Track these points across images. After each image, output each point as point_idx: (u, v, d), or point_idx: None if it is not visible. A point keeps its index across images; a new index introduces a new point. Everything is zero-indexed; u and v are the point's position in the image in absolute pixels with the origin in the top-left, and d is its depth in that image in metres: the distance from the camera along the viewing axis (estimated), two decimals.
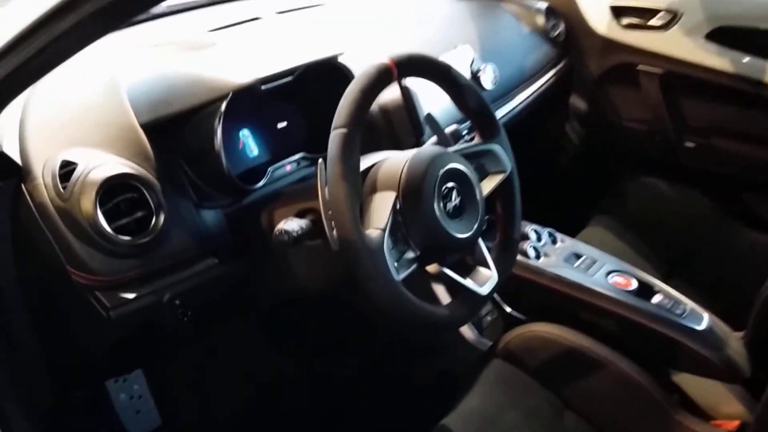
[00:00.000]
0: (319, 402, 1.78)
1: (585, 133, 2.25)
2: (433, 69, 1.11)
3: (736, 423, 1.23)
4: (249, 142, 1.29)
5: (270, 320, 1.76)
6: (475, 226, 1.08)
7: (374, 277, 0.94)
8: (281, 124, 1.35)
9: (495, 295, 1.62)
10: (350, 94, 0.98)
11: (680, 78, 1.91)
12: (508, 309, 1.64)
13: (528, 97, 1.92)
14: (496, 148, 1.19)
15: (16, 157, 1.05)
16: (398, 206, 1.01)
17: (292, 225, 1.03)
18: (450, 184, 1.05)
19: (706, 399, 1.32)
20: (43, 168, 1.03)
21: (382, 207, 1.00)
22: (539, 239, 1.50)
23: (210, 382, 1.72)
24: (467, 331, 1.59)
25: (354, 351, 1.78)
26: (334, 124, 0.96)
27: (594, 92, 2.16)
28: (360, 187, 0.98)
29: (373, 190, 1.04)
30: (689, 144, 2.00)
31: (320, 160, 0.98)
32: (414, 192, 1.01)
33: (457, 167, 1.07)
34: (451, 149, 1.13)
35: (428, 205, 1.01)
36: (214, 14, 1.64)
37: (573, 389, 1.31)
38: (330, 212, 0.95)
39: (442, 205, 1.03)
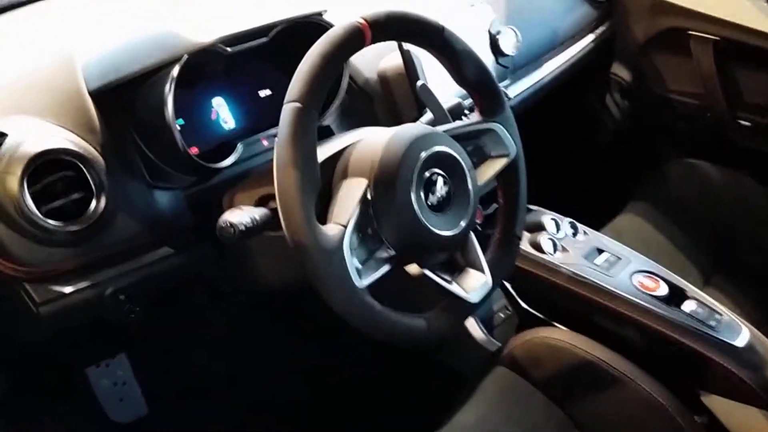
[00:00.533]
0: (314, 395, 1.66)
1: (627, 107, 2.06)
2: (419, 30, 0.92)
3: None
4: (223, 113, 1.14)
5: (261, 305, 1.64)
6: (464, 222, 0.91)
7: (329, 283, 0.79)
8: (264, 92, 1.19)
9: (510, 289, 1.46)
10: (308, 60, 0.82)
11: (737, 46, 1.70)
12: (524, 305, 1.47)
13: (561, 65, 1.74)
14: (498, 127, 1.01)
15: None
16: (369, 196, 0.85)
17: (239, 216, 0.87)
18: (434, 170, 0.89)
19: (739, 427, 1.16)
20: None
21: (347, 198, 0.85)
22: (558, 231, 1.33)
23: (201, 368, 1.61)
24: (475, 328, 1.43)
25: (350, 343, 1.65)
26: (286, 97, 0.80)
27: (639, 61, 1.95)
28: (317, 173, 0.81)
29: (344, 176, 0.89)
30: (744, 122, 1.80)
31: (276, 139, 0.83)
32: (388, 179, 0.85)
33: (444, 150, 0.90)
34: (440, 128, 0.95)
35: (404, 195, 0.85)
36: None
37: (584, 406, 1.16)
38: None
39: (423, 195, 0.87)
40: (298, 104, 0.79)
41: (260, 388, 1.65)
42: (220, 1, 1.20)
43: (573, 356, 1.18)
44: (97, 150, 0.95)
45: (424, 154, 0.87)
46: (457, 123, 1.01)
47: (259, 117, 1.18)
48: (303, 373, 1.70)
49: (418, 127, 0.92)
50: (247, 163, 1.12)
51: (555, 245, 1.30)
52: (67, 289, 0.94)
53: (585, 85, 1.99)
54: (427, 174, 0.88)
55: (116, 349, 1.45)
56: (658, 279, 1.24)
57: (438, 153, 0.89)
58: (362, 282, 0.82)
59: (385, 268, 0.87)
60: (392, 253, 0.87)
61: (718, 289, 1.43)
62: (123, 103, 1.00)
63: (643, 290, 1.21)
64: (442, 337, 0.91)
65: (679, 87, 1.92)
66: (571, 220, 1.36)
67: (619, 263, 1.27)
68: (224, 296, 1.31)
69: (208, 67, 1.09)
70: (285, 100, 0.80)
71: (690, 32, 1.77)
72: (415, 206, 0.86)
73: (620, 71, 2.01)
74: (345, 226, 0.81)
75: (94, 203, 0.92)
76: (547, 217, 1.34)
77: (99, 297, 0.96)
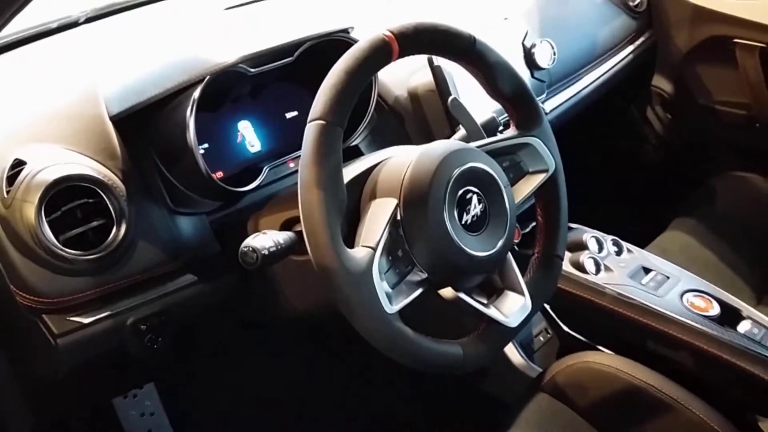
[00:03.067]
0: (347, 422, 1.61)
1: (670, 120, 2.00)
2: (449, 42, 0.88)
3: None
4: (248, 136, 1.12)
5: (293, 333, 1.60)
6: (501, 242, 0.87)
7: (357, 309, 0.75)
8: (290, 114, 1.17)
9: (550, 312, 1.40)
10: (332, 76, 0.78)
11: None
12: (566, 328, 1.41)
13: (599, 77, 1.70)
14: (535, 141, 0.96)
15: None
16: (399, 216, 0.81)
17: (262, 241, 0.84)
18: (468, 188, 0.85)
19: None
20: None
21: (376, 219, 0.81)
22: (600, 249, 1.28)
23: (227, 396, 1.58)
24: (514, 354, 1.38)
25: (385, 368, 1.61)
26: (310, 114, 0.77)
27: (682, 71, 1.90)
28: (342, 193, 0.78)
29: (372, 196, 0.85)
30: None
31: (300, 158, 0.79)
32: (418, 198, 0.81)
33: (478, 166, 0.85)
34: (473, 144, 0.91)
35: (436, 214, 0.81)
36: None
37: None
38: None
39: (456, 214, 0.83)
40: (322, 122, 0.76)
41: (290, 416, 1.61)
42: (242, 22, 1.18)
43: (619, 382, 1.12)
44: (117, 176, 0.93)
45: (456, 171, 0.83)
46: (492, 138, 0.96)
47: (285, 139, 1.16)
48: (334, 401, 1.67)
49: (450, 143, 0.89)
50: (272, 187, 1.10)
51: (598, 265, 1.25)
52: (87, 320, 0.91)
53: (625, 98, 1.95)
54: (460, 192, 0.84)
55: (143, 379, 1.42)
56: (710, 298, 1.19)
57: (472, 169, 0.85)
58: (393, 307, 0.78)
59: (417, 292, 0.82)
60: (424, 276, 0.83)
61: None
62: (144, 127, 0.98)
63: (695, 311, 1.16)
64: (478, 364, 0.86)
65: (724, 97, 1.86)
66: (615, 238, 1.31)
67: (667, 282, 1.22)
68: (250, 325, 1.28)
69: (233, 90, 1.07)
70: (309, 118, 0.77)
71: (735, 40, 1.72)
72: (448, 226, 0.81)
73: (662, 83, 1.96)
74: (374, 249, 0.77)
75: (114, 231, 0.90)
76: (589, 235, 1.29)
77: (119, 327, 0.93)
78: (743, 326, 1.13)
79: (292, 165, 1.12)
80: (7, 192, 0.87)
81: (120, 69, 1.03)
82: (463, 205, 0.84)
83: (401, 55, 0.83)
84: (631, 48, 1.82)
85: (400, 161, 0.85)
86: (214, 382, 1.58)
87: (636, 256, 1.29)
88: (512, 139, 0.96)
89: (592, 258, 1.25)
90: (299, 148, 1.08)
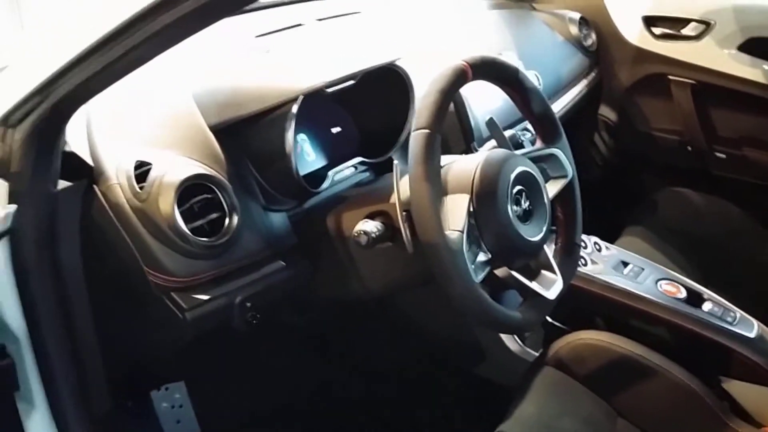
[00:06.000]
0: (363, 416, 1.76)
1: (614, 144, 2.26)
2: (503, 72, 1.11)
3: None
4: (306, 147, 1.28)
5: (314, 333, 1.75)
6: (544, 229, 1.08)
7: (455, 278, 0.94)
8: (335, 129, 1.34)
9: None
10: (429, 95, 0.98)
11: (712, 88, 1.93)
12: (550, 319, 1.63)
13: (563, 107, 1.93)
14: (558, 152, 1.19)
15: (87, 158, 1.04)
16: (472, 208, 1.00)
17: (369, 226, 1.02)
18: (520, 187, 1.05)
19: (758, 407, 1.31)
20: (116, 169, 1.02)
21: (457, 209, 1.00)
22: (585, 247, 1.50)
23: (249, 393, 1.71)
24: (510, 341, 1.58)
25: (391, 362, 1.77)
26: (415, 125, 0.96)
27: (624, 102, 2.17)
28: (441, 188, 0.97)
29: (445, 192, 1.04)
30: (721, 154, 2.02)
31: (395, 162, 0.98)
32: (488, 194, 1.01)
33: (527, 170, 1.07)
34: (518, 152, 1.13)
35: (502, 207, 1.01)
36: (255, 20, 1.64)
37: (625, 397, 1.30)
38: (405, 214, 0.95)
39: (513, 207, 1.03)
40: (427, 130, 0.95)
41: (310, 416, 1.75)
42: (298, 52, 1.35)
43: (612, 354, 1.32)
44: (224, 177, 1.08)
45: (513, 174, 1.04)
46: (529, 148, 1.18)
47: (333, 150, 1.32)
48: (350, 401, 1.80)
49: (504, 152, 1.09)
50: (331, 190, 1.26)
51: (585, 260, 1.45)
52: (206, 297, 1.06)
53: (577, 125, 2.13)
54: (516, 189, 1.04)
55: (179, 375, 1.54)
56: (678, 285, 1.41)
57: (523, 172, 1.06)
58: (477, 278, 0.97)
59: (487, 269, 1.02)
60: (489, 257, 1.02)
61: None
62: (241, 136, 1.14)
63: (667, 294, 1.38)
64: (531, 327, 1.07)
65: (661, 125, 2.12)
66: (596, 238, 1.53)
67: (643, 273, 1.44)
68: (307, 310, 1.42)
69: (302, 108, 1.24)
70: (413, 128, 0.96)
71: (670, 77, 1.99)
72: (511, 216, 1.02)
73: (607, 113, 2.22)
74: (462, 232, 0.96)
75: (227, 221, 1.06)
76: None
77: (231, 304, 1.08)
78: (706, 306, 1.35)
79: (348, 172, 1.29)
80: (141, 188, 1.01)
81: (209, 83, 1.18)
82: (516, 200, 1.05)
83: (473, 79, 1.04)
84: (584, 82, 2.06)
85: (467, 165, 1.04)
86: (238, 383, 1.69)
87: (614, 252, 1.50)
88: (543, 150, 1.18)
89: (581, 254, 1.47)
90: (345, 159, 1.28)
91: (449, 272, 0.94)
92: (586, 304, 1.44)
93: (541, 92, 1.16)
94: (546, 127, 1.19)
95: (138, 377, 1.34)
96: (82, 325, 1.07)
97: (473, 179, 1.02)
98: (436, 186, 0.95)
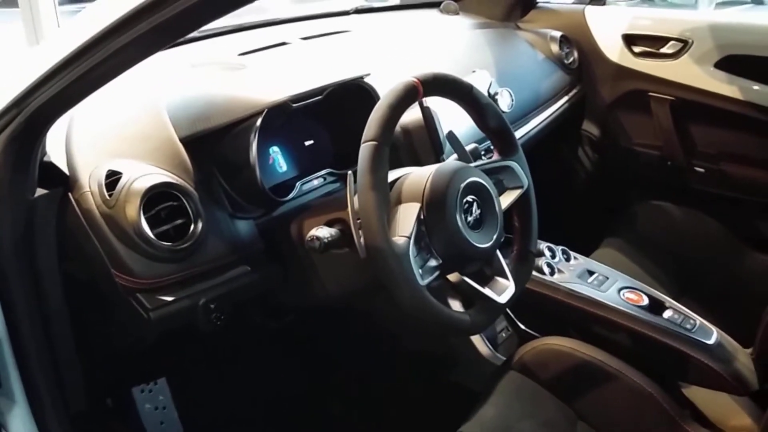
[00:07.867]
0: (335, 415, 1.81)
1: (597, 158, 2.31)
2: (456, 88, 1.17)
3: None
4: (278, 159, 1.35)
5: (284, 336, 1.81)
6: (494, 237, 1.13)
7: (400, 282, 1.00)
8: (308, 142, 1.41)
9: (509, 312, 1.66)
10: (379, 109, 1.05)
11: (690, 105, 1.98)
12: (522, 326, 1.68)
13: (543, 121, 1.98)
14: (513, 164, 1.24)
15: (64, 168, 1.11)
16: (422, 216, 1.06)
17: (322, 232, 1.09)
18: (471, 197, 1.11)
19: (715, 411, 1.35)
20: (90, 177, 1.09)
21: (407, 216, 1.05)
22: (553, 256, 1.55)
23: (231, 395, 1.77)
24: (482, 345, 1.63)
25: (367, 365, 1.83)
26: (364, 137, 1.02)
27: (606, 118, 2.23)
28: (388, 197, 1.03)
29: (398, 201, 1.10)
30: (699, 169, 2.06)
31: (350, 172, 1.04)
32: (437, 203, 1.06)
33: (477, 181, 1.12)
34: (472, 164, 1.18)
35: (451, 215, 1.06)
36: (242, 39, 1.72)
37: (586, 401, 1.34)
38: (359, 220, 1.01)
39: (463, 216, 1.09)
40: (374, 142, 1.02)
41: (290, 414, 1.79)
42: (273, 68, 1.43)
43: (575, 359, 1.37)
44: (191, 186, 1.15)
45: (463, 184, 1.09)
46: (484, 161, 1.24)
47: (304, 162, 1.39)
48: (333, 401, 1.85)
49: (456, 163, 1.15)
50: (300, 200, 1.33)
51: (552, 268, 1.51)
52: (171, 298, 1.12)
53: (560, 139, 2.23)
54: (466, 199, 1.10)
55: (154, 373, 1.60)
56: (640, 293, 1.45)
57: (473, 182, 1.12)
58: (423, 282, 1.03)
59: (436, 274, 1.08)
60: (439, 262, 1.08)
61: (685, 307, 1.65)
62: (209, 147, 1.21)
63: (629, 302, 1.42)
64: (479, 330, 1.12)
65: (642, 140, 2.17)
66: (564, 247, 1.58)
67: (607, 281, 1.49)
68: (279, 313, 1.49)
69: (271, 121, 1.31)
70: (363, 140, 1.02)
71: (650, 93, 2.05)
72: (459, 224, 1.07)
73: (590, 128, 2.28)
74: (409, 238, 1.02)
75: (192, 227, 1.12)
76: (544, 245, 1.56)
77: (194, 305, 1.14)
78: (667, 313, 1.39)
79: (316, 183, 1.36)
80: (109, 195, 1.08)
81: (183, 97, 1.25)
82: (467, 208, 1.10)
83: (424, 96, 1.11)
84: (566, 98, 2.11)
85: (419, 176, 1.11)
86: (220, 383, 1.75)
87: (581, 261, 1.56)
88: (498, 162, 1.23)
89: (547, 263, 1.51)
90: (318, 170, 1.35)
91: (395, 276, 0.99)
92: (552, 311, 1.49)
93: (496, 108, 1.22)
94: (502, 140, 1.25)
95: (112, 374, 1.41)
96: (59, 325, 1.14)
97: (424, 188, 1.08)
98: (382, 194, 1.01)
